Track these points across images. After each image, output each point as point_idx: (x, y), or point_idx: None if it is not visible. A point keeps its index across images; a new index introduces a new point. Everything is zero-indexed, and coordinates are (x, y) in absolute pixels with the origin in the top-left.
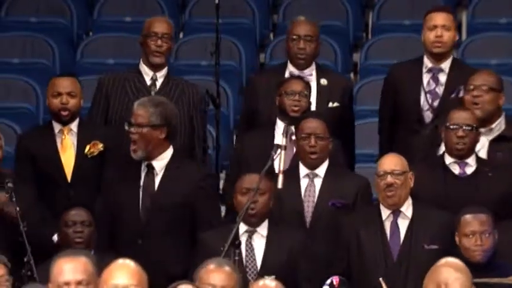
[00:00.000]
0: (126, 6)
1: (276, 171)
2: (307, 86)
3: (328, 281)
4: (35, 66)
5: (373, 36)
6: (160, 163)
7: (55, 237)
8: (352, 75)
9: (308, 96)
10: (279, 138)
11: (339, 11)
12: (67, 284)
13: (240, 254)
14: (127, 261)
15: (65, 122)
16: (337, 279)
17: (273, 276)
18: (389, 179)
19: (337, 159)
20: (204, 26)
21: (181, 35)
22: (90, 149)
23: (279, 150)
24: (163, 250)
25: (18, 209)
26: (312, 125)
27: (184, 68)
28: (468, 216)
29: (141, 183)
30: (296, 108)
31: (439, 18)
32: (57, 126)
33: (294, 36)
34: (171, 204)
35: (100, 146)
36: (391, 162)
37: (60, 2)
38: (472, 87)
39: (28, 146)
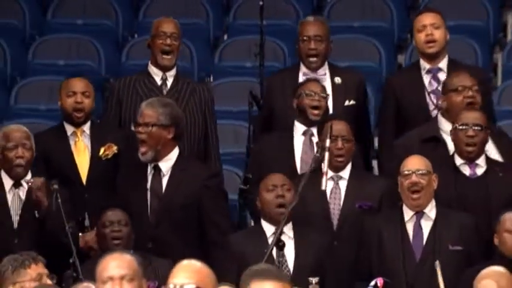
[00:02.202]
0: (171, 9)
1: (323, 172)
2: (324, 88)
3: (373, 283)
4: (81, 68)
5: None
6: (166, 164)
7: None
8: None
9: (327, 98)
10: (298, 140)
11: (384, 11)
12: (111, 278)
13: (270, 256)
14: (192, 262)
15: (78, 124)
16: (382, 281)
17: (317, 279)
18: (414, 178)
19: (358, 161)
20: (248, 28)
21: (225, 37)
22: (104, 151)
23: (323, 152)
24: (174, 252)
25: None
26: (338, 127)
27: (229, 69)
28: (509, 215)
29: (148, 185)
30: (316, 111)
31: (427, 18)
32: (69, 128)
33: (304, 37)
34: (180, 205)
35: (114, 149)
36: (416, 162)
37: (106, 4)
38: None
39: (42, 147)
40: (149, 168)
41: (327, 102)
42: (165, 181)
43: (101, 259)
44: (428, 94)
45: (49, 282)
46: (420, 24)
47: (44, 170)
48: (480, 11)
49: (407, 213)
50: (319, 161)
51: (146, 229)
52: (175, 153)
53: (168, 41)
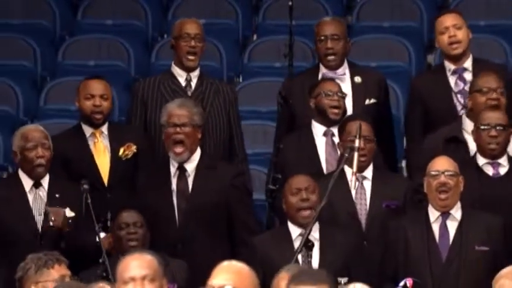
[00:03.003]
0: (200, 9)
1: (353, 172)
2: (341, 87)
3: (402, 283)
4: (111, 68)
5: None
6: (191, 165)
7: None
8: None
9: (344, 97)
10: (318, 140)
11: (413, 11)
12: (132, 279)
13: (311, 256)
14: (232, 263)
15: (96, 125)
16: (411, 281)
17: (346, 279)
18: (442, 178)
19: (378, 161)
20: (277, 28)
21: (254, 37)
22: (124, 151)
23: (352, 152)
24: (204, 252)
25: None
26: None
27: (258, 69)
28: None
29: (174, 186)
30: (336, 111)
31: (449, 20)
32: (88, 130)
33: (321, 37)
34: (207, 205)
35: (134, 148)
36: (444, 163)
37: (136, 5)
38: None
39: (61, 149)
40: (173, 169)
41: (344, 102)
42: (190, 181)
43: (122, 259)
44: (455, 95)
45: None
46: (442, 27)
47: (61, 172)
48: (414, 12)
49: (433, 214)
50: (348, 161)
51: (174, 230)
52: (198, 153)
53: (192, 43)
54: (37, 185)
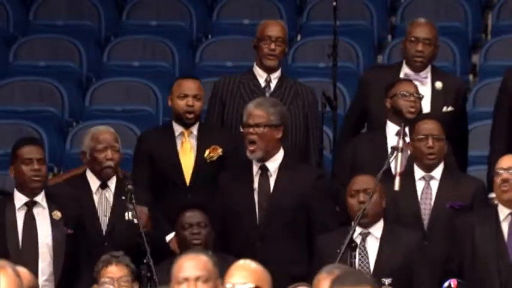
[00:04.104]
0: (244, 9)
1: (393, 173)
2: (418, 89)
3: (446, 284)
4: (155, 69)
5: (493, 37)
6: (273, 164)
7: (168, 238)
8: (471, 76)
9: (421, 98)
10: (391, 140)
11: (458, 12)
12: (186, 279)
13: (355, 256)
14: (247, 262)
15: (187, 125)
16: (455, 282)
17: (390, 280)
18: (505, 175)
19: (451, 162)
20: (321, 28)
21: (298, 37)
22: (209, 153)
23: (395, 152)
24: (283, 252)
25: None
26: (429, 126)
27: (302, 70)
28: None
29: (256, 185)
30: (412, 110)
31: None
32: (178, 129)
33: (412, 38)
34: (288, 205)
35: (219, 151)
36: (509, 160)
37: (180, 5)
38: None
39: (148, 147)
40: (255, 168)
41: (420, 103)
42: (272, 181)
43: (176, 259)
44: None
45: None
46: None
47: (147, 168)
48: (459, 12)
49: (503, 213)
50: (391, 162)
51: (254, 229)
52: (281, 153)
53: (272, 46)
54: (104, 186)
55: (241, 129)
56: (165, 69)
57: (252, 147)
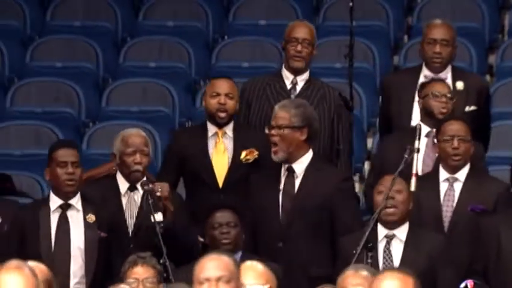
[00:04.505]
0: (260, 10)
1: (413, 173)
2: (451, 89)
3: (463, 284)
4: (171, 70)
5: (510, 38)
6: (300, 166)
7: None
8: (487, 77)
9: (453, 99)
10: (422, 141)
11: (475, 12)
12: (207, 279)
13: (374, 258)
14: (254, 263)
15: (220, 125)
16: (472, 283)
17: None
18: None
19: (481, 163)
20: (337, 29)
21: None
22: (246, 155)
23: (412, 153)
24: (304, 253)
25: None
26: (455, 127)
27: (318, 70)
28: None
29: (281, 186)
30: (444, 110)
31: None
32: (212, 129)
33: (430, 40)
34: (311, 207)
35: (256, 154)
36: None
37: (197, 6)
38: None
39: (180, 146)
40: (283, 170)
41: (452, 104)
42: (297, 182)
43: (199, 260)
44: None
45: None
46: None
47: (176, 168)
48: (476, 12)
49: None
50: (408, 163)
51: (277, 229)
52: (309, 155)
53: (299, 48)
54: (132, 188)
55: (266, 131)
56: (181, 70)
57: (274, 149)
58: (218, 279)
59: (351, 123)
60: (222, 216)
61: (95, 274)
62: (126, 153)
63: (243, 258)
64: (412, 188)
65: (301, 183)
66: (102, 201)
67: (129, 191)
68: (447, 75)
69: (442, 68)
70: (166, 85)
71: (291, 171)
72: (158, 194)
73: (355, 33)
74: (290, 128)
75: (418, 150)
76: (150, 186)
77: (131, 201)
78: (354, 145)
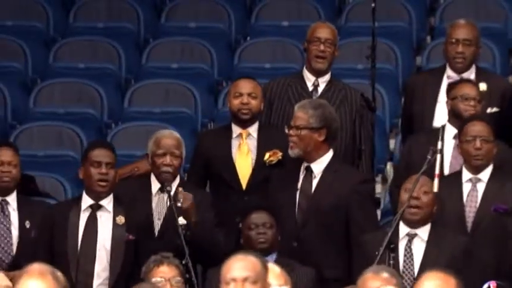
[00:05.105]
0: (283, 11)
1: (436, 174)
2: (479, 91)
3: (485, 286)
4: (194, 71)
5: None
6: (319, 166)
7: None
8: (511, 78)
9: (481, 101)
10: (448, 143)
11: (498, 13)
12: (234, 280)
13: (395, 258)
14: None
15: (245, 125)
16: (495, 284)
17: None
18: None
19: (507, 164)
20: (360, 30)
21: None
22: (270, 157)
23: (434, 154)
24: (319, 253)
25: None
26: (477, 127)
27: (340, 71)
28: None
29: (299, 185)
30: (472, 113)
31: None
32: (236, 130)
33: (453, 40)
34: (327, 207)
35: (279, 155)
36: None
37: (219, 7)
38: None
39: (205, 148)
40: (302, 169)
41: (481, 106)
42: (315, 182)
43: (226, 261)
44: None
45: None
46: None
47: (203, 169)
48: (499, 13)
49: None
50: (431, 164)
51: (293, 228)
52: (328, 155)
53: (322, 47)
54: (162, 189)
55: (286, 131)
56: (204, 71)
57: (291, 144)
58: (244, 280)
59: (373, 124)
60: (259, 217)
61: (119, 276)
62: (156, 154)
63: (278, 260)
64: (435, 189)
65: (318, 183)
66: (132, 201)
67: (159, 192)
68: (470, 75)
69: (465, 68)
70: (189, 86)
71: (309, 171)
72: (179, 204)
73: (378, 34)
74: (308, 129)
75: (441, 151)
76: (168, 188)
77: (160, 202)
78: (376, 146)
